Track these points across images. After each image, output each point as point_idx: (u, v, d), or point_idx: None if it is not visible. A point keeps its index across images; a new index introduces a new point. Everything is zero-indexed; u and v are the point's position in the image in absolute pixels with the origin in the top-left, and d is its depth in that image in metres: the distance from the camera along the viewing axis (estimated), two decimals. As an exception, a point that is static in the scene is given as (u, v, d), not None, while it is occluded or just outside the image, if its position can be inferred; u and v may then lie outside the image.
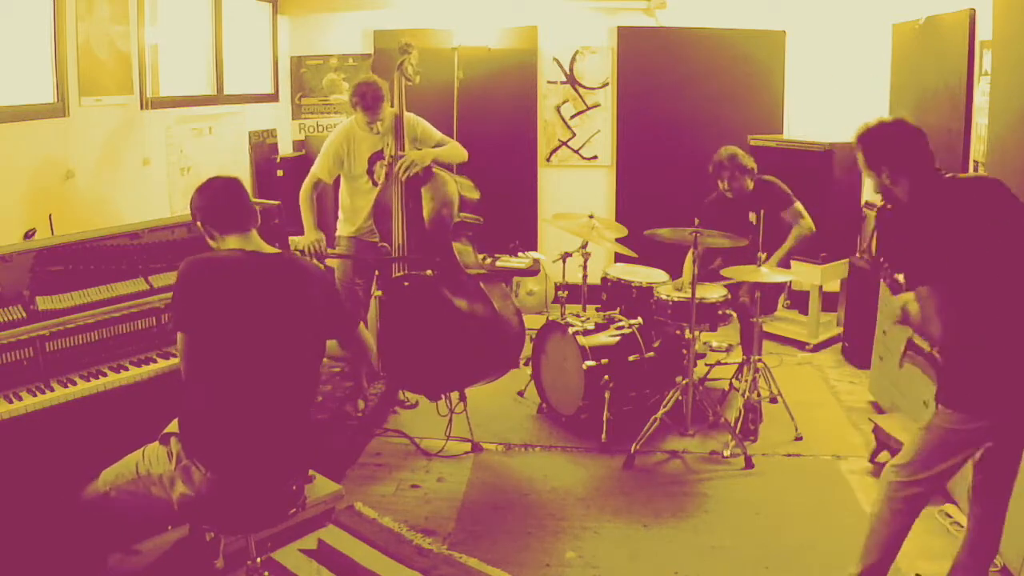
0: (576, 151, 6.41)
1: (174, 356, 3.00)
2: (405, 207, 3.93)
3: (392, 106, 4.12)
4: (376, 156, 4.19)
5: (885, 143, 2.57)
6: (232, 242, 2.48)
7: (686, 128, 6.19)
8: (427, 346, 3.90)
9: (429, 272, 3.89)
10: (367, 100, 4.10)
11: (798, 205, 4.51)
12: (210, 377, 2.37)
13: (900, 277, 2.61)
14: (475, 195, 4.03)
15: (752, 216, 4.46)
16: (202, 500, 2.37)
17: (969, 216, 2.46)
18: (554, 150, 6.42)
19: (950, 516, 3.31)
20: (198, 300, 2.34)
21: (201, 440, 2.38)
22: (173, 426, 2.49)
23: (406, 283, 3.91)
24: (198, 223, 2.55)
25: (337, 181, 4.38)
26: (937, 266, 2.40)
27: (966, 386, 2.50)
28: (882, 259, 2.73)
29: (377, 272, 4.29)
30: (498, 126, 6.28)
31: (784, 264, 4.50)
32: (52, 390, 2.75)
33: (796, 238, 4.48)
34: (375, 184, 4.20)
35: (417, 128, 4.20)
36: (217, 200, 2.52)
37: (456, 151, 4.24)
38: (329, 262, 4.60)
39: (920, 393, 3.73)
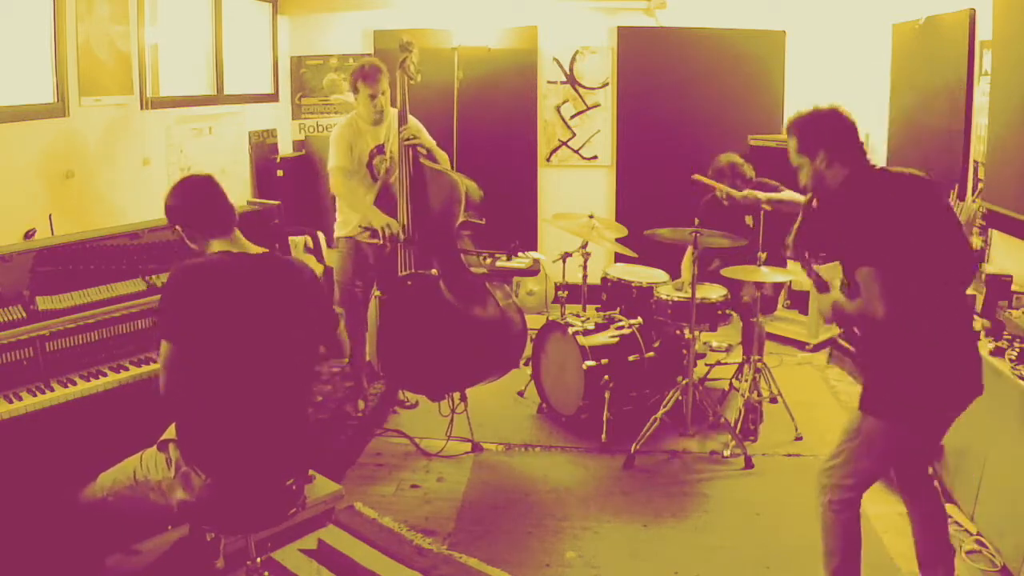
0: (576, 151, 6.41)
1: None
2: (411, 198, 3.92)
3: (394, 105, 4.11)
4: (377, 150, 4.19)
5: (822, 127, 2.56)
6: (216, 245, 2.43)
7: (686, 128, 6.19)
8: (430, 346, 3.90)
9: (434, 271, 3.89)
10: (366, 71, 4.08)
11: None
12: (205, 382, 2.35)
13: (828, 271, 2.58)
14: (478, 195, 4.04)
15: (749, 219, 4.46)
16: (203, 504, 2.37)
17: (906, 206, 2.45)
18: (554, 150, 6.43)
19: (950, 516, 3.31)
20: (188, 309, 2.31)
21: (200, 445, 2.38)
22: (170, 432, 2.48)
23: (409, 282, 3.91)
24: (176, 227, 2.49)
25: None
26: (880, 246, 2.37)
27: (889, 393, 2.50)
28: (806, 253, 2.70)
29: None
30: (498, 126, 6.29)
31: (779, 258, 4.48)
32: (52, 390, 2.75)
33: (789, 196, 4.43)
34: (375, 179, 4.19)
35: (412, 129, 4.19)
36: (192, 200, 2.46)
37: (442, 156, 4.24)
38: (330, 263, 4.61)
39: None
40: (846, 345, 2.73)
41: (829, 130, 2.55)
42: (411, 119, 4.09)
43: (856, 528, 2.64)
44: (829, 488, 2.63)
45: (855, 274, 2.40)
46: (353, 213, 4.23)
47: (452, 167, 4.26)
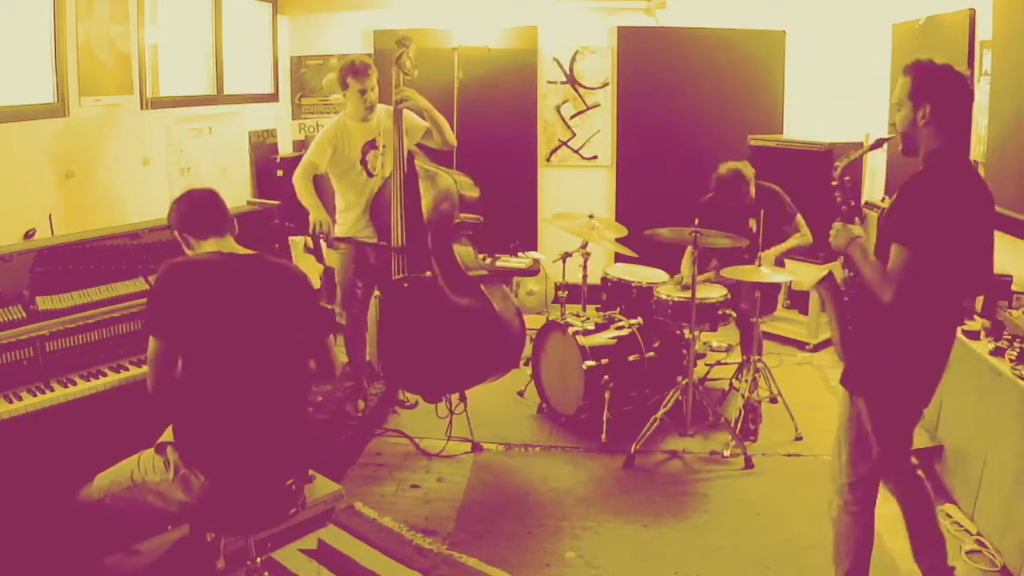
0: (576, 151, 6.41)
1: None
2: (404, 202, 3.92)
3: (389, 102, 4.11)
4: (369, 145, 4.18)
5: (944, 82, 2.40)
6: (208, 246, 2.49)
7: (686, 128, 6.19)
8: (428, 348, 3.90)
9: (429, 273, 3.89)
10: (355, 66, 4.09)
11: (800, 219, 4.54)
12: (200, 382, 2.35)
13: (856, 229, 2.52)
14: (474, 193, 4.02)
15: (752, 223, 4.46)
16: (202, 505, 2.37)
17: (972, 210, 2.40)
18: (554, 150, 6.42)
19: (950, 516, 3.31)
20: (174, 306, 2.33)
21: (198, 447, 2.38)
22: (168, 434, 2.48)
23: (405, 284, 3.91)
24: (175, 233, 2.57)
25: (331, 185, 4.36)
26: (930, 233, 2.29)
27: (875, 374, 2.48)
28: (847, 178, 2.63)
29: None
30: (498, 126, 6.28)
31: (778, 263, 4.51)
32: (52, 390, 2.75)
33: (796, 242, 4.51)
34: (369, 175, 4.18)
35: (406, 120, 4.19)
36: (194, 209, 2.55)
37: (442, 120, 4.23)
38: (330, 263, 4.60)
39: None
40: (842, 287, 2.66)
41: (947, 90, 2.39)
42: (409, 115, 4.09)
43: (870, 532, 2.62)
44: (842, 488, 2.60)
45: (889, 247, 2.32)
46: (351, 213, 4.24)
47: (452, 167, 4.25)
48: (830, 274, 2.66)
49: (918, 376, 2.49)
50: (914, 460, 2.69)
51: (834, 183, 2.65)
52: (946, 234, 2.30)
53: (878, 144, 2.63)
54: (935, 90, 2.38)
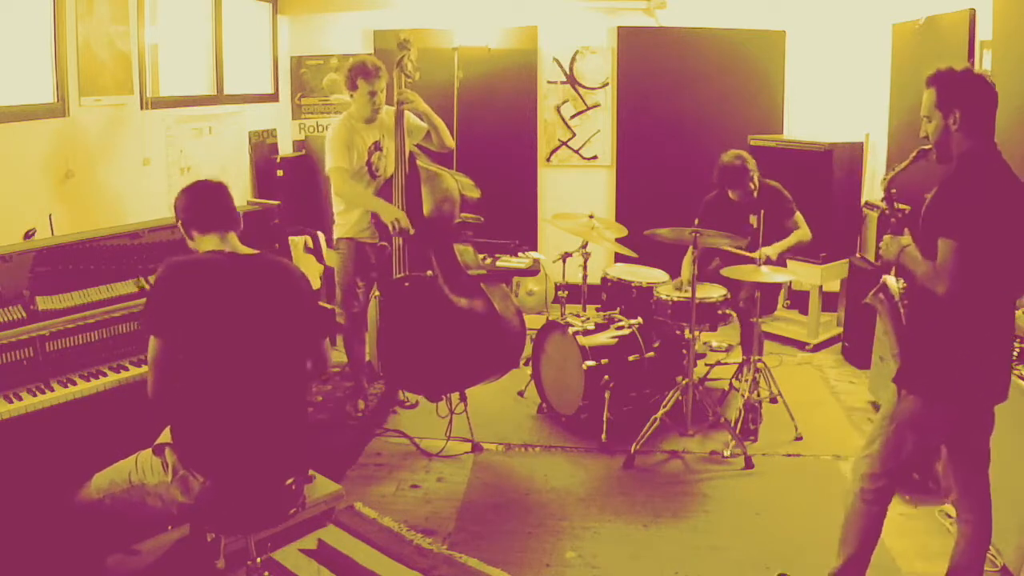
0: (576, 151, 6.41)
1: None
2: (406, 202, 3.92)
3: (390, 103, 4.11)
4: (374, 147, 4.19)
5: (969, 87, 2.47)
6: (210, 243, 2.47)
7: (686, 128, 6.19)
8: (428, 347, 3.90)
9: (429, 273, 3.89)
10: (367, 67, 4.07)
11: (799, 215, 4.54)
12: (199, 382, 2.35)
13: (906, 241, 2.55)
14: (475, 194, 4.03)
15: (753, 219, 4.46)
16: (202, 506, 2.37)
17: (1012, 199, 2.43)
18: (554, 150, 6.43)
19: (950, 516, 3.31)
20: (175, 305, 2.32)
21: (197, 448, 2.38)
22: (166, 436, 2.47)
23: (406, 283, 3.91)
24: (179, 223, 2.55)
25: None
26: (973, 223, 2.33)
27: (933, 372, 2.50)
28: (893, 190, 2.67)
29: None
30: (498, 126, 6.28)
31: (779, 263, 4.51)
32: (52, 390, 2.75)
33: (796, 240, 4.50)
34: (374, 177, 4.19)
35: (408, 121, 4.19)
36: (201, 201, 2.52)
37: (440, 124, 4.24)
38: (330, 263, 4.60)
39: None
40: (896, 294, 2.69)
41: (973, 94, 2.47)
42: (409, 116, 4.09)
43: (879, 524, 2.66)
44: (864, 477, 2.64)
45: (936, 243, 2.36)
46: (352, 213, 4.23)
47: (452, 167, 4.26)
48: (884, 285, 2.70)
49: (977, 374, 2.50)
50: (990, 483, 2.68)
51: (882, 197, 2.72)
52: (989, 224, 2.35)
53: (921, 155, 2.66)
54: (962, 95, 2.45)
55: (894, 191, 2.70)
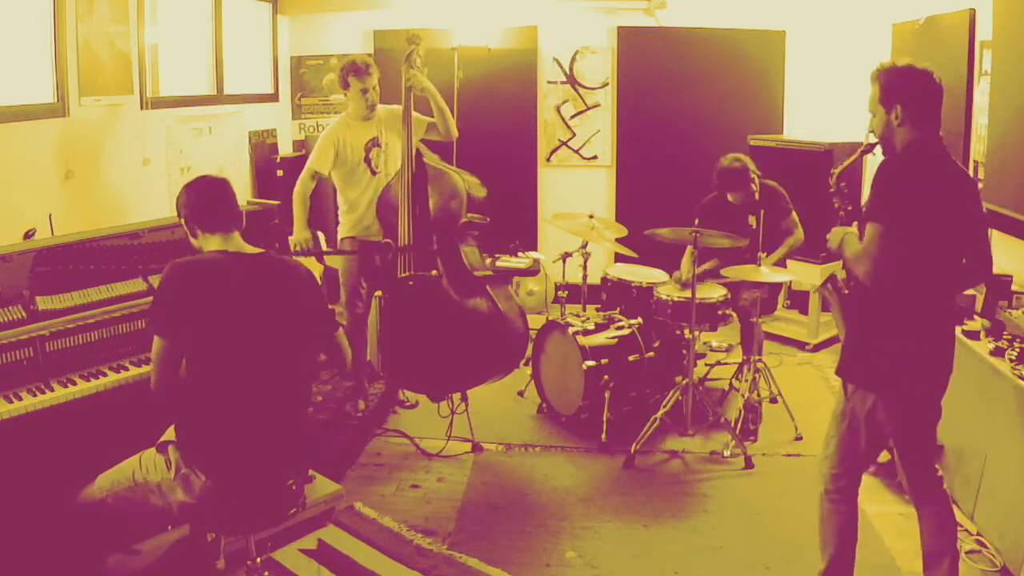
0: (576, 151, 6.41)
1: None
2: (412, 200, 3.92)
3: (398, 102, 4.11)
4: (371, 143, 4.19)
5: (910, 81, 2.49)
6: (214, 242, 2.46)
7: (686, 128, 6.19)
8: (432, 347, 3.90)
9: (434, 272, 3.89)
10: (357, 65, 4.10)
11: (794, 215, 4.55)
12: (204, 382, 2.35)
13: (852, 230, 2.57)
14: (482, 193, 4.02)
15: (752, 219, 4.46)
16: (203, 505, 2.37)
17: (945, 188, 2.45)
18: (554, 150, 6.43)
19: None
20: (180, 306, 2.32)
21: (199, 447, 2.38)
22: (170, 433, 2.48)
23: (411, 283, 3.91)
24: (182, 220, 2.54)
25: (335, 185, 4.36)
26: (900, 209, 2.36)
27: (870, 363, 2.51)
28: (843, 185, 2.69)
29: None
30: (498, 126, 6.28)
31: (779, 263, 4.52)
32: (52, 390, 2.75)
33: (789, 247, 4.53)
34: (373, 172, 4.19)
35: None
36: (204, 198, 2.50)
37: (451, 116, 4.26)
38: (334, 263, 4.60)
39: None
40: (842, 285, 2.71)
41: (913, 88, 2.48)
42: (414, 114, 4.09)
43: (852, 521, 2.66)
44: (826, 478, 2.67)
45: (868, 223, 2.39)
46: (355, 212, 4.25)
47: (453, 165, 4.25)
48: (833, 275, 2.71)
49: (912, 365, 2.49)
50: (939, 472, 2.68)
51: (831, 190, 2.73)
52: (919, 212, 2.36)
53: (868, 149, 2.67)
54: (903, 91, 2.48)
55: (843, 184, 2.73)
